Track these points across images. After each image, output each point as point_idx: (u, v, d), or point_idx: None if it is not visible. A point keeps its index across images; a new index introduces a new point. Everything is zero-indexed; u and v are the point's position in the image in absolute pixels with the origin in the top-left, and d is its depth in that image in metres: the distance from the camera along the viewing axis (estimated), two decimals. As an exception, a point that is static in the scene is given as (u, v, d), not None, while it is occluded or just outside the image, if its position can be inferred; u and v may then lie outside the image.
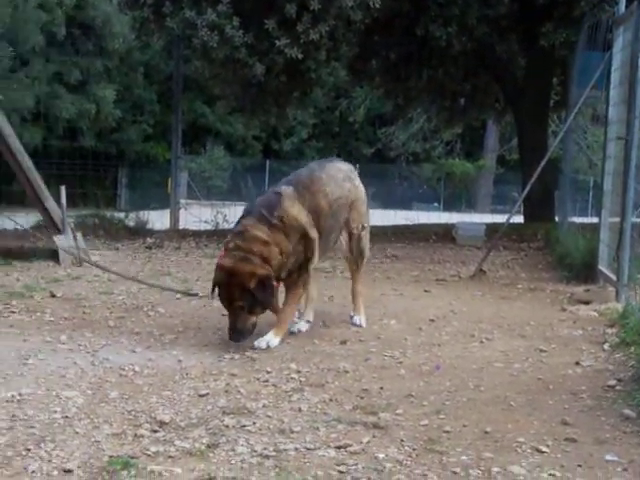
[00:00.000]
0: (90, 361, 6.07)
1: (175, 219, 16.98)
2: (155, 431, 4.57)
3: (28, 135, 27.96)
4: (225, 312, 6.65)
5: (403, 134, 40.65)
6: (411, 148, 41.67)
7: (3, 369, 5.79)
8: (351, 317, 7.52)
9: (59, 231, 11.09)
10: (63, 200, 11.20)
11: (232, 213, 14.67)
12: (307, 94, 18.96)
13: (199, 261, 11.64)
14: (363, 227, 7.53)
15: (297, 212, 6.66)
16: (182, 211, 17.44)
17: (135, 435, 4.50)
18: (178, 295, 8.68)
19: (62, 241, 10.94)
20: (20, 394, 5.20)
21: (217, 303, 7.94)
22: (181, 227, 16.69)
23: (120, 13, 29.10)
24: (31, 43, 28.97)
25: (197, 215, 16.95)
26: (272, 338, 6.56)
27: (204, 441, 4.41)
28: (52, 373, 5.76)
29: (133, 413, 4.89)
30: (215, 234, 14.59)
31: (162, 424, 4.68)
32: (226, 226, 14.83)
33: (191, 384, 5.54)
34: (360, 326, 7.35)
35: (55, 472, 3.98)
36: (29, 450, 4.26)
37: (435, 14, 14.87)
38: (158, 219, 16.53)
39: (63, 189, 11.32)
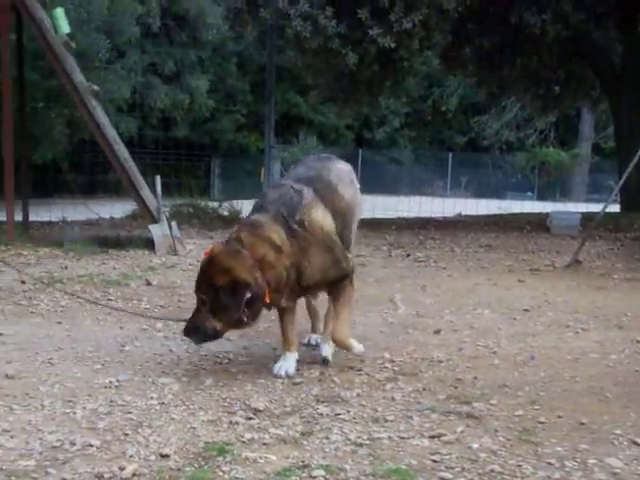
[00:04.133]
0: (185, 348, 6.14)
1: (268, 208, 16.99)
2: (250, 418, 4.61)
3: (123, 125, 28.30)
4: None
5: (496, 123, 40.30)
6: (504, 137, 41.27)
7: (101, 356, 5.91)
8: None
9: (154, 220, 11.23)
10: (158, 189, 11.35)
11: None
12: (399, 83, 18.92)
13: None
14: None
15: (323, 218, 5.61)
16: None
17: (230, 422, 4.54)
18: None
19: (157, 230, 11.08)
20: (118, 380, 5.29)
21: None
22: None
23: (213, 4, 29.36)
24: (127, 35, 29.29)
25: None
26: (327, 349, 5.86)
27: (298, 429, 4.44)
28: (148, 360, 5.85)
29: (228, 400, 4.94)
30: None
31: (256, 411, 4.72)
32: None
33: (285, 372, 5.57)
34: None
35: (152, 457, 4.04)
36: (127, 435, 4.33)
37: (529, 1, 14.69)
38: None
39: (158, 178, 11.47)
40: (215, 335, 5.47)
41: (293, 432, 4.39)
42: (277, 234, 5.40)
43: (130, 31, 29.41)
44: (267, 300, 5.37)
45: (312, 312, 6.51)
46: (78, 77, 11.57)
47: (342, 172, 6.14)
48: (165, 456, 4.04)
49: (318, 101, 33.55)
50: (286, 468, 3.90)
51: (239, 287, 5.26)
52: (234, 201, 16.50)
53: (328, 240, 5.58)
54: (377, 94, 17.97)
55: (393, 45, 13.39)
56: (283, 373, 5.48)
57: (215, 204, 16.38)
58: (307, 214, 5.50)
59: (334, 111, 36.28)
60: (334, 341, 5.75)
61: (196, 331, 5.43)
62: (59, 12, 11.62)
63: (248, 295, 5.27)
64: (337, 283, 5.74)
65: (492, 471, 3.90)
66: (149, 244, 11.13)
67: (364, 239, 12.51)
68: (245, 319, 5.35)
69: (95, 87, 11.68)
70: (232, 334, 6.44)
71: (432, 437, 4.33)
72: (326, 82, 16.89)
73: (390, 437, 4.33)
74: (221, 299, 5.28)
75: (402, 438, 4.31)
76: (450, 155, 43.49)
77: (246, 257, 5.31)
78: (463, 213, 18.92)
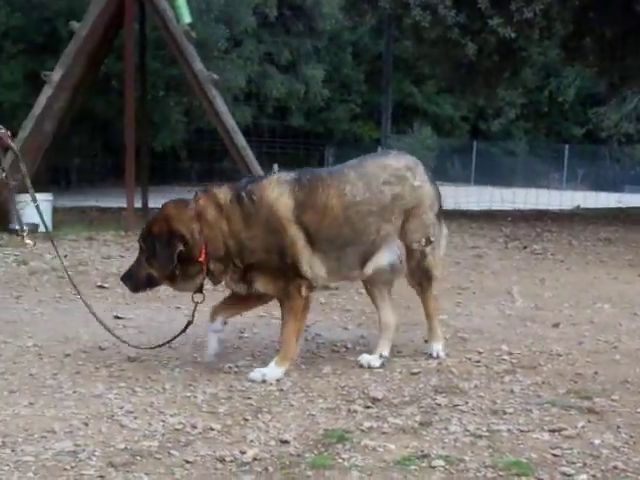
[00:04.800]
0: (303, 336, 6.17)
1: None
2: (368, 407, 4.62)
3: (239, 114, 28.58)
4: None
5: (615, 114, 39.51)
6: (624, 129, 40.44)
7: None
8: (427, 344, 5.93)
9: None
10: (276, 178, 11.43)
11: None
12: (517, 73, 18.69)
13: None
14: (428, 241, 5.67)
15: (275, 199, 5.30)
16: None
17: (349, 410, 4.56)
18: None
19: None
20: (237, 366, 5.36)
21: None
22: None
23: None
24: (244, 25, 29.56)
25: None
26: (272, 369, 5.23)
27: (417, 419, 4.43)
28: (266, 347, 5.91)
29: (346, 389, 4.96)
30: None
31: (375, 400, 4.72)
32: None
33: (402, 362, 5.57)
34: (437, 357, 5.72)
35: (272, 442, 4.08)
36: (247, 420, 4.39)
37: (655, -12, 14.36)
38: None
39: (276, 167, 11.59)
40: (149, 283, 5.45)
41: (412, 422, 4.38)
42: (224, 195, 5.35)
43: (247, 21, 29.68)
44: (202, 259, 5.26)
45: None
46: (198, 66, 11.73)
47: (375, 167, 5.62)
48: (285, 442, 4.08)
49: (433, 91, 33.46)
50: (405, 457, 3.90)
51: (172, 237, 5.25)
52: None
53: (276, 224, 5.27)
54: (495, 85, 17.81)
55: (513, 35, 13.26)
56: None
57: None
58: (260, 190, 5.33)
59: (450, 102, 36.18)
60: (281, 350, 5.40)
61: (131, 278, 5.46)
62: (181, 2, 11.80)
63: (180, 247, 5.23)
64: (284, 286, 5.36)
65: (615, 468, 3.84)
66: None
67: (480, 230, 12.44)
68: (177, 273, 5.29)
69: (215, 76, 11.84)
70: (349, 323, 6.47)
71: (552, 431, 4.28)
72: (443, 72, 16.83)
73: (509, 430, 4.29)
74: (155, 247, 5.29)
75: (522, 431, 4.27)
76: (566, 147, 42.83)
77: (187, 210, 5.32)
78: (582, 206, 18.66)
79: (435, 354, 5.70)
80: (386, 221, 5.51)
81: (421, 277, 5.76)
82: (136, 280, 5.43)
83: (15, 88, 18.63)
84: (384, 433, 4.22)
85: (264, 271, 5.31)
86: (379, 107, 28.12)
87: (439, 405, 4.67)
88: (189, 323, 5.51)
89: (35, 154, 12.49)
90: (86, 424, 4.27)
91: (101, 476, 3.67)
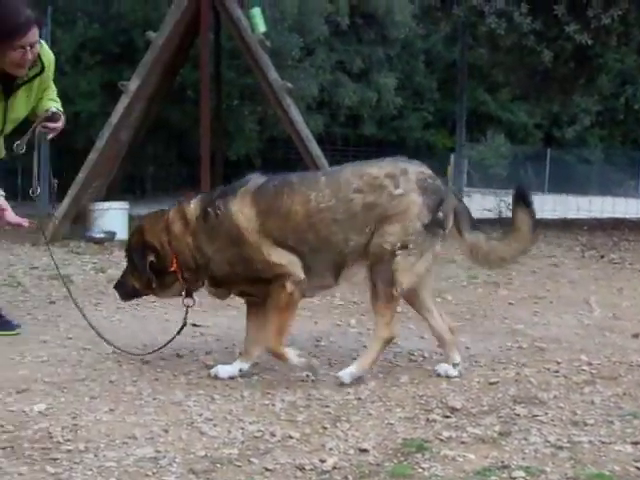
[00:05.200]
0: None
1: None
2: (447, 416, 4.60)
3: (312, 122, 28.63)
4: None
5: (695, 122, 38.92)
6: (702, 137, 39.83)
7: (296, 350, 5.98)
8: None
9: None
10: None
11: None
12: (593, 80, 18.47)
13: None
14: (404, 246, 5.21)
15: (236, 212, 5.27)
16: (465, 199, 17.35)
17: (427, 419, 4.54)
18: (464, 282, 8.72)
19: (348, 226, 11.16)
20: (307, 375, 5.38)
21: (504, 291, 7.95)
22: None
23: (405, 1, 29.39)
24: (316, 34, 29.63)
25: (479, 203, 16.86)
26: (236, 364, 5.43)
27: (496, 429, 4.40)
28: (343, 355, 5.91)
29: (424, 398, 4.94)
30: (499, 222, 14.45)
31: (453, 410, 4.70)
32: (509, 214, 14.65)
33: (480, 372, 5.54)
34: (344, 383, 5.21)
35: (351, 451, 4.08)
36: (326, 428, 4.39)
37: None
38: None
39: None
40: (134, 294, 5.73)
41: (491, 432, 4.35)
42: (192, 210, 5.41)
43: (319, 30, 29.75)
44: (174, 269, 5.40)
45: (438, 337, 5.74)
46: (273, 75, 11.79)
47: (351, 174, 5.37)
48: (364, 450, 4.07)
49: (507, 99, 33.20)
50: (485, 468, 3.87)
51: (143, 248, 5.47)
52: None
53: (237, 237, 5.24)
54: (570, 92, 17.62)
55: (590, 42, 13.11)
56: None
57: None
58: (224, 203, 5.31)
59: (524, 109, 35.83)
60: (267, 351, 5.41)
61: (119, 287, 5.74)
62: (256, 11, 11.87)
63: (151, 257, 5.42)
64: (264, 287, 5.29)
65: (702, 480, 3.78)
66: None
67: (556, 239, 12.31)
68: (154, 284, 5.49)
69: (289, 85, 11.89)
70: (426, 332, 6.43)
71: (635, 443, 4.21)
72: (518, 80, 16.69)
73: (591, 441, 4.24)
74: (133, 258, 5.56)
75: (603, 443, 4.22)
76: (644, 155, 42.27)
77: (159, 222, 5.50)
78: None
79: (346, 379, 5.23)
80: (357, 231, 5.26)
81: (383, 279, 5.23)
82: (124, 289, 5.72)
83: (92, 98, 18.90)
84: (463, 443, 4.20)
85: (240, 278, 5.35)
86: (452, 115, 27.97)
87: (518, 415, 4.63)
88: (183, 326, 5.70)
89: (112, 163, 12.66)
90: (166, 431, 4.31)
91: (182, 483, 3.71)
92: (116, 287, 5.79)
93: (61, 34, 18.87)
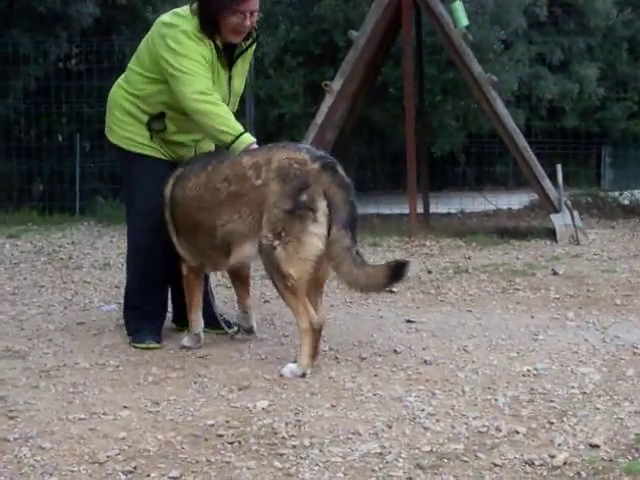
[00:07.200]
0: (600, 338, 6.01)
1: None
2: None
3: (512, 117, 28.23)
4: None
5: None
6: None
7: (515, 344, 5.91)
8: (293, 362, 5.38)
9: (555, 210, 11.15)
10: (560, 179, 11.30)
11: None
12: None
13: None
14: (277, 236, 5.16)
15: (165, 189, 5.88)
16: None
17: (660, 415, 4.40)
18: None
19: (559, 219, 11.00)
20: (535, 369, 5.27)
21: None
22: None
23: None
24: (514, 26, 29.21)
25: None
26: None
27: None
28: (563, 349, 5.77)
29: (655, 392, 4.78)
30: None
31: (686, 405, 4.53)
32: None
33: None
34: (284, 375, 5.22)
35: (581, 446, 3.97)
36: (552, 423, 4.29)
37: None
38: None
39: (559, 167, 11.43)
40: None
41: None
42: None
43: (517, 22, 29.32)
44: None
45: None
46: (477, 69, 11.67)
47: (221, 165, 5.56)
48: (595, 446, 3.95)
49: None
50: None
51: None
52: (636, 191, 15.96)
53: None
54: None
55: None
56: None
57: (615, 193, 15.97)
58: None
59: None
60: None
61: None
62: (458, 5, 11.76)
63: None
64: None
65: None
66: (550, 234, 11.07)
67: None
68: None
69: (494, 78, 11.74)
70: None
71: None
72: None
73: None
74: None
75: None
76: None
77: None
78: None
79: (288, 374, 5.21)
80: (227, 218, 5.46)
81: (272, 273, 5.28)
82: None
83: (295, 100, 19.08)
84: (701, 439, 4.03)
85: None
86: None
87: None
88: None
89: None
90: (389, 426, 4.30)
91: (409, 478, 3.67)
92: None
93: (264, 38, 19.24)
